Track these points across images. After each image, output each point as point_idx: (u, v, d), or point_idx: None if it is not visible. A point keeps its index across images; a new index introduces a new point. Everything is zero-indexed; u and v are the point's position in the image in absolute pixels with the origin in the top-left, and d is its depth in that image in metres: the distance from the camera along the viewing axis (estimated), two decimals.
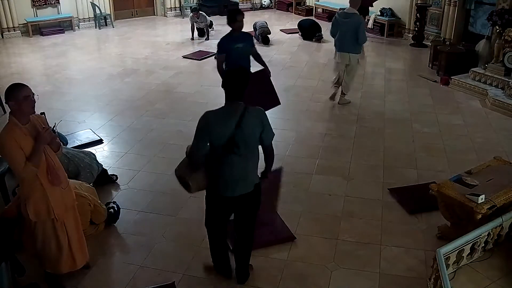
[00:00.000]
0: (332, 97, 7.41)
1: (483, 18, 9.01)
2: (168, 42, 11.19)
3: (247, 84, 3.20)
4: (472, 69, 8.08)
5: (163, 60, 9.77)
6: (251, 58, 5.65)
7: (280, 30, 12.28)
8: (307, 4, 14.40)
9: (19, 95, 3.16)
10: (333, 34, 7.14)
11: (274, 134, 3.39)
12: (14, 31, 11.48)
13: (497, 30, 7.87)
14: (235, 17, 5.32)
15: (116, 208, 4.54)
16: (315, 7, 13.98)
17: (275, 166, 3.65)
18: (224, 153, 3.19)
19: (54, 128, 3.38)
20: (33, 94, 3.24)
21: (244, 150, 3.19)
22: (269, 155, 3.46)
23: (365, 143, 6.13)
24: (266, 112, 3.42)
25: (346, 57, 7.00)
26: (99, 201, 4.36)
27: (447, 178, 4.34)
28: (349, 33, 6.80)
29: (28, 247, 3.76)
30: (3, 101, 6.22)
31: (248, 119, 3.17)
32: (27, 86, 3.24)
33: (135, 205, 4.78)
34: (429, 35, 10.65)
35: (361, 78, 8.67)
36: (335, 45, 7.13)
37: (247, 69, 4.34)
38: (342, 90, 7.31)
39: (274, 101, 5.79)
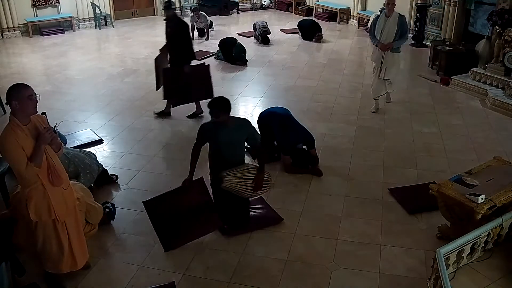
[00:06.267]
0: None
1: (483, 18, 9.00)
2: None
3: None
4: (472, 69, 8.08)
5: None
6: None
7: (280, 30, 12.27)
8: (307, 4, 14.41)
9: (24, 95, 3.16)
10: None
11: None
12: (14, 31, 11.48)
13: (497, 30, 7.87)
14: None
15: (111, 208, 4.52)
16: (315, 7, 13.98)
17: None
18: None
19: (55, 128, 3.38)
20: (35, 94, 3.25)
21: None
22: None
23: (365, 143, 6.13)
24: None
25: None
26: (95, 202, 4.25)
27: (447, 178, 4.34)
28: None
29: (23, 248, 3.76)
30: (3, 102, 6.24)
31: None
32: (30, 86, 3.25)
33: (135, 205, 4.77)
34: (429, 35, 10.66)
35: (361, 78, 8.67)
36: None
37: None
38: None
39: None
